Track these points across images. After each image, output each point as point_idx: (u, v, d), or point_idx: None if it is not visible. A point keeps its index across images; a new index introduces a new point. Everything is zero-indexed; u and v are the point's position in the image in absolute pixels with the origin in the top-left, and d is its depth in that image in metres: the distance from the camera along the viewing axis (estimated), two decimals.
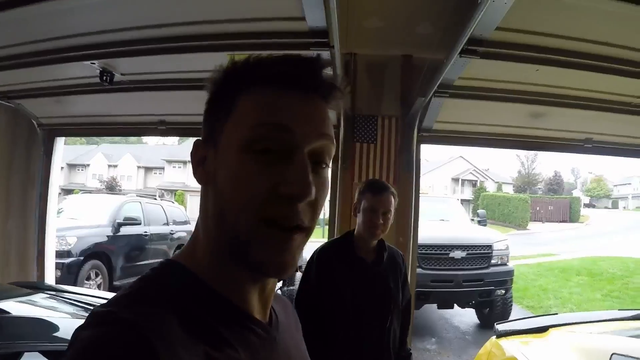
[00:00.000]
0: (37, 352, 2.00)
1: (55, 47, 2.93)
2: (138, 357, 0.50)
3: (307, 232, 0.62)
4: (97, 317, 0.55)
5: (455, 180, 44.69)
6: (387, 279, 2.16)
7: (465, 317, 8.37)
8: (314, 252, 2.25)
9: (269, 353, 0.65)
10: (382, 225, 2.08)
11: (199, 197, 0.68)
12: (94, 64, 3.07)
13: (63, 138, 4.75)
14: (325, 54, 2.72)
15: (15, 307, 2.32)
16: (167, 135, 4.98)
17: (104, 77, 3.18)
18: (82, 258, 7.66)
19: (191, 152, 0.67)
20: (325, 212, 3.75)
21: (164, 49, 2.87)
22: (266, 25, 2.69)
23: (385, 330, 2.13)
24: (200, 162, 0.66)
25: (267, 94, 0.61)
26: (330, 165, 0.66)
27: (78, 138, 37.30)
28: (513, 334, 2.92)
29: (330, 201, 3.97)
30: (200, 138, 0.67)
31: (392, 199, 2.10)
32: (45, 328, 2.13)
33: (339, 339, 2.07)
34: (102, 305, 0.58)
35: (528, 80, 3.01)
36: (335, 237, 3.67)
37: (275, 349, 0.67)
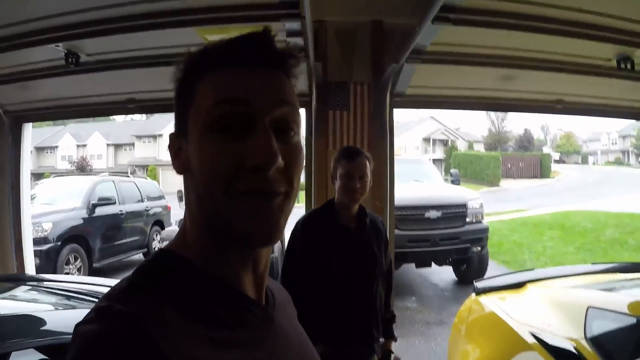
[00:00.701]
0: (28, 350, 1.98)
1: (17, 33, 2.83)
2: (138, 350, 0.51)
3: (286, 195, 0.63)
4: (96, 312, 0.56)
5: (427, 140, 45.04)
6: (370, 245, 2.20)
7: (443, 274, 8.58)
8: (297, 223, 2.26)
9: (267, 332, 0.67)
10: (360, 189, 2.11)
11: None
12: (58, 46, 2.96)
13: (30, 124, 4.59)
14: (295, 25, 2.68)
15: None
16: (136, 113, 4.88)
17: (70, 59, 3.08)
18: (59, 243, 7.57)
19: (168, 146, 0.69)
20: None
21: (130, 27, 2.77)
22: None
23: (372, 295, 2.18)
24: (176, 154, 0.68)
25: (221, 74, 0.63)
26: (301, 132, 0.68)
27: None
28: (492, 291, 3.01)
29: (306, 169, 3.97)
30: (173, 131, 0.70)
31: (367, 163, 2.14)
32: (31, 323, 2.08)
33: (328, 308, 2.10)
34: (102, 299, 0.59)
35: (500, 44, 3.03)
36: (312, 203, 3.71)
37: (273, 328, 0.68)
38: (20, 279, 3.27)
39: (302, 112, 3.97)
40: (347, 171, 2.11)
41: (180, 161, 0.67)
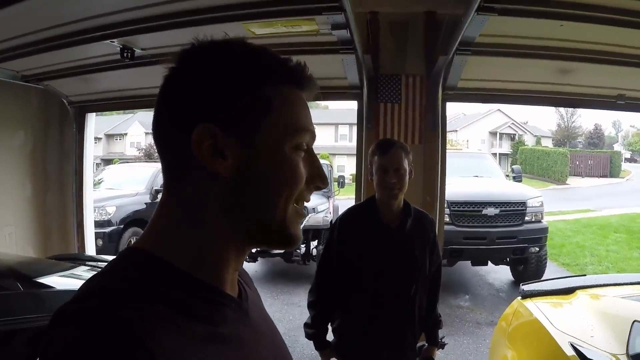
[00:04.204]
0: None
1: (76, 30, 3.01)
2: (128, 352, 0.51)
3: None
4: (75, 315, 0.55)
5: (493, 134, 43.51)
6: (411, 246, 2.07)
7: (499, 274, 8.33)
8: (337, 218, 2.20)
9: (244, 325, 0.69)
10: (397, 184, 1.97)
11: (168, 180, 0.69)
12: (114, 42, 3.13)
13: (93, 114, 4.91)
14: (339, 17, 2.67)
15: (58, 281, 2.36)
16: None
17: (125, 54, 3.24)
18: (122, 226, 7.99)
19: (198, 138, 0.63)
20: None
21: (179, 23, 2.88)
22: None
23: (410, 299, 2.06)
24: (215, 152, 0.63)
25: (296, 98, 0.71)
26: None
27: None
28: (539, 295, 2.90)
29: (357, 163, 3.97)
30: (208, 124, 0.63)
31: (403, 154, 1.99)
32: None
33: (357, 307, 2.06)
34: (72, 301, 0.57)
35: (552, 36, 2.86)
36: (362, 196, 3.68)
37: (248, 321, 0.71)
38: (79, 258, 3.46)
39: (354, 104, 3.96)
40: (381, 165, 1.99)
41: (228, 164, 0.64)
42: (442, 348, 2.30)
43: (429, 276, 2.17)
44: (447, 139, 4.48)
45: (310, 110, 0.73)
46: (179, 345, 0.56)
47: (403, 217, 2.08)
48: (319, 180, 0.72)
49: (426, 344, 2.25)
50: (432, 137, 3.56)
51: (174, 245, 0.65)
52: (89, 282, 0.62)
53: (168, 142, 0.67)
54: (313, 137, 0.73)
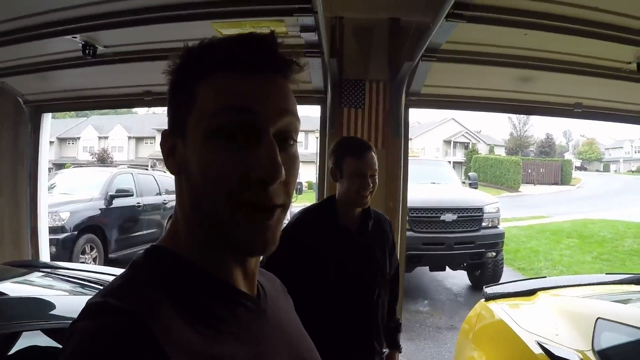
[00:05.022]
0: (38, 331, 2.01)
1: (35, 23, 2.87)
2: (139, 345, 0.51)
3: (284, 207, 0.64)
4: (93, 309, 0.56)
5: (448, 142, 44.75)
6: (373, 249, 1.99)
7: (457, 279, 8.53)
8: (289, 223, 2.00)
9: (260, 325, 0.67)
10: (370, 189, 1.89)
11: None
12: (76, 37, 3.00)
13: (50, 114, 4.69)
14: (309, 20, 2.67)
15: (12, 288, 2.29)
16: (153, 106, 4.92)
17: (87, 51, 3.11)
18: (76, 233, 7.67)
19: (160, 143, 0.69)
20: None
21: (146, 20, 2.79)
22: None
23: (373, 303, 1.97)
24: (170, 152, 0.67)
25: (225, 78, 0.62)
26: (297, 140, 0.68)
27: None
28: (502, 297, 2.96)
29: (319, 169, 3.96)
30: (166, 129, 0.68)
31: (375, 158, 1.91)
32: (43, 307, 2.11)
33: (324, 313, 1.90)
34: (97, 295, 0.58)
35: (516, 44, 2.96)
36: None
37: (266, 320, 0.69)
38: (34, 265, 3.31)
39: (317, 109, 3.96)
40: (358, 169, 1.87)
41: (175, 161, 0.66)
42: (400, 352, 2.24)
43: (389, 279, 2.11)
44: None
45: None
46: (189, 341, 0.56)
47: (363, 219, 1.99)
48: (257, 170, 0.59)
49: (387, 350, 2.17)
50: (394, 143, 3.58)
51: (183, 242, 0.66)
52: (114, 278, 0.62)
53: None
54: (256, 115, 0.60)
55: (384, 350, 2.15)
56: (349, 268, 1.91)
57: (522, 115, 45.18)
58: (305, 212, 2.08)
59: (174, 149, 0.66)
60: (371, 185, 1.89)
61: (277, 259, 1.93)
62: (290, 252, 1.88)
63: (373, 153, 1.92)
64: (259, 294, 0.72)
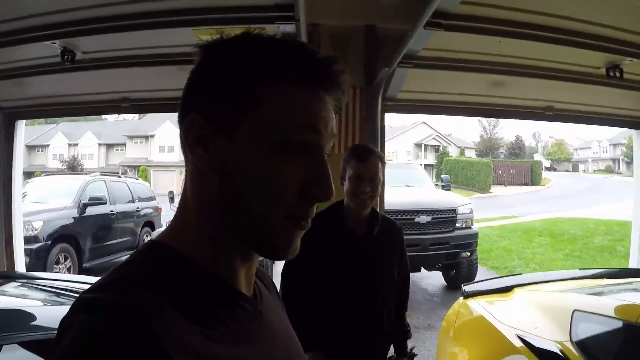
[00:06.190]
0: (15, 344, 1.96)
1: (13, 29, 2.84)
2: (141, 343, 0.50)
3: None
4: (89, 303, 0.54)
5: (418, 145, 45.24)
6: (378, 254, 2.03)
7: (432, 279, 8.59)
8: None
9: (256, 326, 0.68)
10: (369, 193, 1.94)
11: (185, 174, 0.68)
12: (55, 43, 2.97)
13: (24, 121, 4.58)
14: (290, 28, 2.71)
15: None
16: (130, 112, 4.86)
17: (65, 57, 3.09)
18: (49, 242, 7.48)
19: (185, 128, 0.64)
20: None
21: (126, 26, 2.80)
22: (231, 0, 2.66)
23: (377, 308, 2.02)
24: (199, 142, 0.63)
25: (295, 92, 0.62)
26: None
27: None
28: (479, 295, 3.02)
29: None
30: (195, 113, 0.63)
31: (379, 164, 1.97)
32: (21, 318, 2.07)
33: (329, 316, 1.97)
34: (90, 291, 0.56)
35: (491, 51, 3.07)
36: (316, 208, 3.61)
37: (262, 322, 0.70)
38: (9, 276, 3.25)
39: None
40: (357, 172, 1.94)
41: (208, 155, 0.63)
42: (412, 359, 2.25)
43: (397, 285, 2.14)
44: None
45: None
46: (189, 341, 0.55)
47: (370, 224, 2.04)
48: (315, 189, 0.62)
49: (395, 355, 2.20)
50: None
51: (190, 241, 0.65)
52: (110, 272, 0.61)
53: (180, 136, 0.66)
54: (320, 136, 0.63)
55: (391, 355, 2.18)
56: (354, 271, 1.96)
57: (492, 118, 46.12)
58: (315, 216, 2.09)
59: (206, 140, 0.63)
60: (369, 188, 1.94)
61: (294, 264, 1.98)
62: (304, 256, 1.90)
63: (378, 159, 1.98)
64: (255, 295, 0.72)
